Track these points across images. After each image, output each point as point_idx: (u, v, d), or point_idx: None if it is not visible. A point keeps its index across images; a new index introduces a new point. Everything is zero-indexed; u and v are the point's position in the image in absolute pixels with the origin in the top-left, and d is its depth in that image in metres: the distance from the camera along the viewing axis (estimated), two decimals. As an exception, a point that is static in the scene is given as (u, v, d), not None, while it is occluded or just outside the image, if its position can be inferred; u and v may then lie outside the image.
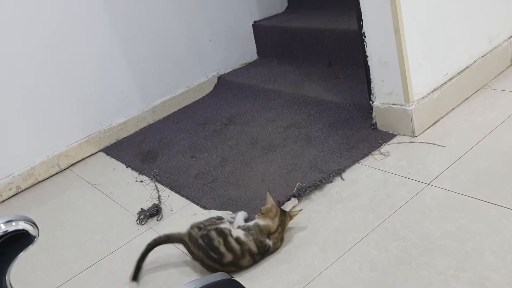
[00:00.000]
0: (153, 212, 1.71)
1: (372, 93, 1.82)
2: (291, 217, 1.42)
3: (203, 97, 2.71)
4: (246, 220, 1.48)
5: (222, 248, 1.31)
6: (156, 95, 2.56)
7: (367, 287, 1.17)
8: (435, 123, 1.79)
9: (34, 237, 0.59)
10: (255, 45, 2.90)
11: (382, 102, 1.80)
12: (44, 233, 1.78)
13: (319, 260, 1.30)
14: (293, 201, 1.53)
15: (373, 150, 1.73)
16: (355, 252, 1.29)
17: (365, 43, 1.74)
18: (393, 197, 1.46)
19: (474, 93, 1.91)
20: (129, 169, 2.13)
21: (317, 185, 1.60)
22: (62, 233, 1.78)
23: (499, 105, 1.79)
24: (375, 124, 1.86)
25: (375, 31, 1.69)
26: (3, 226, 0.57)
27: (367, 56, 1.76)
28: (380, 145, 1.74)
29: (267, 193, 1.43)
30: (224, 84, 2.73)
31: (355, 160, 1.70)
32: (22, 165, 2.19)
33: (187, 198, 1.77)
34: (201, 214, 1.65)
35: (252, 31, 2.87)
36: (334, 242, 1.35)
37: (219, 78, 2.78)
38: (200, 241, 1.33)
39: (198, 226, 1.37)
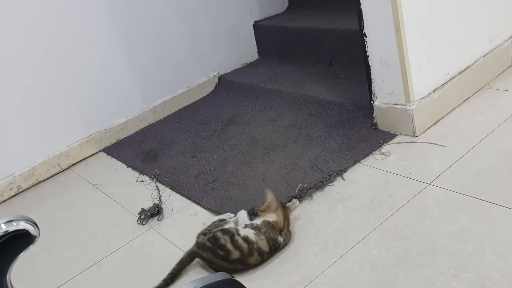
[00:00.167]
0: (154, 212, 1.71)
1: (373, 93, 1.82)
2: (291, 210, 1.44)
3: (203, 97, 2.71)
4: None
5: (229, 246, 1.31)
6: (156, 95, 2.56)
7: (367, 287, 1.17)
8: (436, 123, 1.79)
9: (35, 237, 0.59)
10: (255, 45, 2.90)
11: (383, 102, 1.80)
12: (45, 233, 1.78)
13: (320, 260, 1.30)
14: (294, 202, 1.53)
15: (374, 150, 1.73)
16: (355, 252, 1.29)
17: (365, 43, 1.74)
18: (394, 197, 1.46)
19: (475, 93, 1.91)
20: (130, 169, 2.13)
21: (318, 186, 1.60)
22: (62, 233, 1.78)
23: (500, 104, 1.78)
24: (376, 124, 1.85)
25: (376, 31, 1.69)
26: (4, 226, 0.57)
27: (368, 56, 1.76)
28: (381, 145, 1.74)
29: (266, 188, 1.44)
30: (225, 84, 2.73)
31: (356, 160, 1.70)
32: (23, 165, 2.19)
33: (188, 198, 1.77)
34: (201, 214, 1.65)
35: (252, 31, 2.87)
36: (334, 242, 1.35)
37: (220, 78, 2.78)
38: (208, 243, 1.34)
39: (203, 233, 1.38)
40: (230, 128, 2.23)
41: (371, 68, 1.78)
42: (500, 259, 1.13)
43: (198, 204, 1.72)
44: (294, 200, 1.53)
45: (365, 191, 1.53)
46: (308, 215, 1.49)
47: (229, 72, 2.81)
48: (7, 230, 0.57)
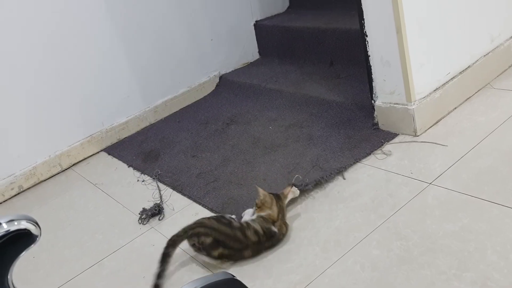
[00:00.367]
0: (155, 212, 1.71)
1: (374, 92, 1.82)
2: (285, 196, 1.45)
3: (204, 96, 2.71)
4: None
5: (231, 219, 1.40)
6: (157, 94, 2.56)
7: (368, 287, 1.17)
8: (437, 122, 1.79)
9: (36, 236, 0.59)
10: (256, 44, 2.90)
11: (384, 102, 1.80)
12: (46, 232, 1.78)
13: (320, 260, 1.30)
14: (287, 188, 1.50)
15: (375, 150, 1.73)
16: (356, 252, 1.29)
17: (366, 42, 1.74)
18: (395, 197, 1.46)
19: (476, 92, 1.91)
20: (131, 168, 2.13)
21: (318, 182, 1.60)
22: (63, 233, 1.78)
23: (501, 104, 1.78)
24: (377, 124, 1.85)
25: (377, 31, 1.69)
26: (5, 226, 0.57)
27: (369, 56, 1.76)
28: (382, 145, 1.74)
29: (256, 186, 1.46)
30: (226, 83, 2.73)
31: (357, 160, 1.70)
32: (24, 165, 2.20)
33: (189, 197, 1.77)
34: (202, 214, 1.65)
35: (253, 30, 2.87)
36: (335, 242, 1.35)
37: (221, 77, 2.78)
38: (210, 218, 1.41)
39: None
40: (231, 127, 2.23)
41: (372, 67, 1.78)
42: (501, 259, 1.13)
43: (199, 203, 1.72)
44: (294, 188, 1.52)
45: (366, 190, 1.53)
46: (308, 215, 1.49)
47: (230, 72, 2.81)
48: (9, 230, 0.57)
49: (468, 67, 1.87)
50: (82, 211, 1.90)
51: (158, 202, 1.77)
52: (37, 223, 0.60)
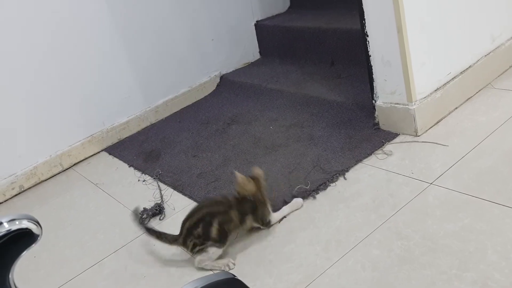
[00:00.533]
0: (156, 212, 1.71)
1: (374, 92, 1.82)
2: (259, 176, 1.42)
3: (205, 96, 2.71)
4: None
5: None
6: (158, 94, 2.56)
7: (369, 287, 1.17)
8: (438, 122, 1.79)
9: (38, 236, 0.59)
10: (257, 44, 2.90)
11: (385, 102, 1.80)
12: (47, 232, 1.78)
13: (321, 259, 1.30)
14: (298, 201, 1.53)
15: (376, 150, 1.73)
16: (357, 252, 1.29)
17: (367, 42, 1.74)
18: (396, 197, 1.46)
19: (477, 92, 1.91)
20: (132, 168, 2.13)
21: (321, 188, 1.59)
22: (64, 232, 1.78)
23: (502, 104, 1.78)
24: (377, 124, 1.85)
25: (378, 31, 1.68)
26: (6, 225, 0.57)
27: (370, 56, 1.76)
28: (383, 145, 1.74)
29: (234, 171, 1.44)
30: (227, 83, 2.73)
31: (358, 160, 1.69)
32: (25, 165, 2.20)
33: (189, 197, 1.77)
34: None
35: (254, 30, 2.87)
36: (336, 242, 1.35)
37: (222, 77, 2.78)
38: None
39: None
40: (231, 127, 2.23)
41: (373, 67, 1.78)
42: (502, 259, 1.13)
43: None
44: (300, 199, 1.53)
45: (367, 190, 1.53)
46: (309, 215, 1.49)
47: (230, 72, 2.81)
48: (10, 229, 0.57)
49: (469, 67, 1.86)
50: (83, 211, 1.90)
51: (159, 202, 1.78)
52: (38, 223, 0.60)
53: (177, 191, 1.84)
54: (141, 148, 2.29)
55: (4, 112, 2.11)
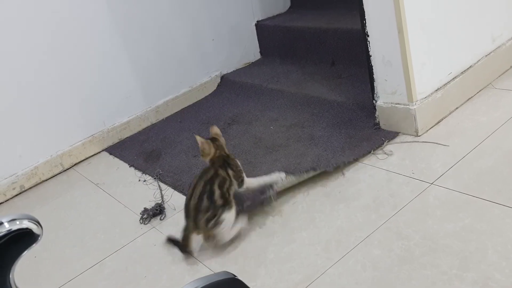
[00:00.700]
0: (156, 212, 1.71)
1: (375, 92, 1.82)
2: (218, 135, 1.52)
3: (206, 96, 2.71)
4: None
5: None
6: (159, 94, 2.56)
7: (370, 287, 1.17)
8: (438, 122, 1.79)
9: (38, 235, 0.59)
10: (258, 44, 2.90)
11: (386, 102, 1.80)
12: (47, 232, 1.78)
13: (322, 259, 1.30)
14: (280, 174, 1.58)
15: (376, 150, 1.73)
16: (358, 252, 1.29)
17: (368, 42, 1.74)
18: (396, 197, 1.46)
19: (477, 92, 1.91)
20: (132, 168, 2.14)
21: (310, 170, 1.62)
22: (65, 232, 1.78)
23: (502, 104, 1.78)
24: (378, 124, 1.85)
25: (378, 31, 1.68)
26: (7, 225, 0.57)
27: (370, 56, 1.76)
28: (383, 145, 1.74)
29: (194, 135, 1.54)
30: (227, 83, 2.73)
31: (358, 160, 1.69)
32: (26, 165, 2.20)
33: (190, 197, 1.77)
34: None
35: (255, 30, 2.87)
36: (336, 242, 1.35)
37: (222, 77, 2.78)
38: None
39: None
40: (232, 127, 2.23)
41: (373, 67, 1.78)
42: (503, 259, 1.13)
43: (200, 203, 1.71)
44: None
45: (367, 190, 1.53)
46: (310, 215, 1.49)
47: (231, 72, 2.81)
48: (11, 229, 0.57)
49: (470, 67, 1.86)
50: (83, 210, 1.90)
51: (160, 202, 1.78)
52: (39, 223, 0.60)
53: (178, 191, 1.84)
54: (141, 148, 2.29)
55: (5, 112, 2.11)
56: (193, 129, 2.33)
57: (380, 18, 1.65)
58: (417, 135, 1.74)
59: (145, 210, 1.73)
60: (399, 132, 1.79)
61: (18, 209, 2.06)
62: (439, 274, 1.14)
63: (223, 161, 1.48)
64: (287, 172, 1.60)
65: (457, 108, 1.84)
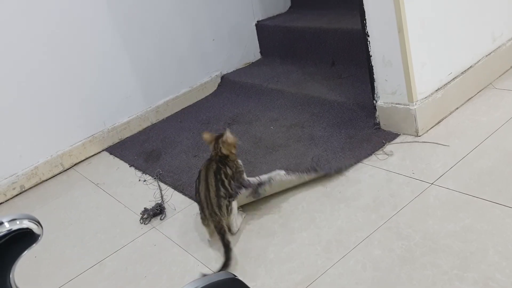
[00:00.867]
0: (157, 212, 1.71)
1: (375, 92, 1.82)
2: (226, 139, 1.57)
3: (206, 96, 2.71)
4: None
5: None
6: (159, 94, 2.56)
7: (370, 287, 1.17)
8: (438, 122, 1.79)
9: (38, 235, 0.59)
10: (258, 44, 2.90)
11: (386, 102, 1.80)
12: (47, 232, 1.78)
13: (322, 259, 1.30)
14: (279, 172, 1.61)
15: (377, 150, 1.73)
16: (358, 252, 1.29)
17: (368, 42, 1.74)
18: (397, 197, 1.46)
19: (478, 92, 1.91)
20: (133, 168, 2.14)
21: (309, 169, 1.63)
22: (65, 232, 1.78)
23: (503, 104, 1.78)
24: (378, 124, 1.85)
25: (379, 31, 1.68)
26: (7, 225, 0.57)
27: (371, 56, 1.76)
28: (384, 145, 1.74)
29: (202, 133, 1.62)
30: (227, 83, 2.73)
31: (359, 160, 1.69)
32: (26, 165, 2.20)
33: (190, 197, 1.77)
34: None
35: (255, 30, 2.87)
36: (337, 242, 1.35)
37: (222, 77, 2.78)
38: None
39: None
40: (232, 127, 2.23)
41: (373, 67, 1.78)
42: (503, 259, 1.13)
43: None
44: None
45: (367, 190, 1.53)
46: (310, 215, 1.49)
47: (231, 72, 2.81)
48: (11, 229, 0.57)
49: (470, 67, 1.86)
50: (83, 210, 1.90)
51: (160, 202, 1.78)
52: (39, 222, 0.60)
53: (178, 191, 1.84)
54: (142, 148, 2.29)
55: (5, 112, 2.11)
56: (193, 129, 2.33)
57: (380, 18, 1.65)
58: (417, 135, 1.74)
59: (145, 210, 1.73)
60: (399, 132, 1.79)
61: (18, 209, 2.06)
62: (439, 274, 1.14)
63: (221, 159, 1.55)
64: (287, 170, 1.61)
65: (457, 108, 1.84)
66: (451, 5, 1.75)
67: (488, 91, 1.90)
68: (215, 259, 1.42)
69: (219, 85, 2.77)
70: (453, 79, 1.81)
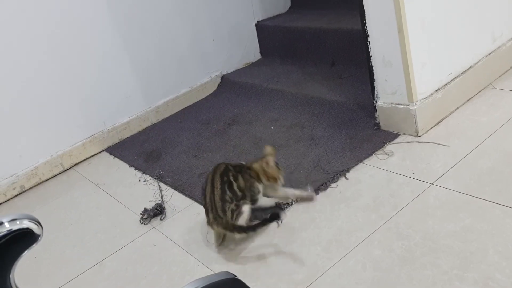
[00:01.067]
0: (157, 212, 1.71)
1: (375, 92, 1.82)
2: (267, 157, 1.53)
3: (206, 97, 2.71)
4: None
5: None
6: (159, 95, 2.56)
7: (370, 287, 1.17)
8: (438, 122, 1.79)
9: (38, 235, 0.59)
10: (258, 45, 2.90)
11: (386, 102, 1.80)
12: (47, 232, 1.78)
13: (322, 259, 1.30)
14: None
15: (377, 150, 1.73)
16: (358, 252, 1.29)
17: (368, 42, 1.74)
18: (397, 197, 1.46)
19: (478, 92, 1.91)
20: (133, 168, 2.14)
21: (322, 189, 1.59)
22: (65, 233, 1.78)
23: (503, 104, 1.78)
24: (378, 124, 1.85)
25: (379, 31, 1.68)
26: (7, 225, 0.57)
27: (371, 56, 1.76)
28: (384, 145, 1.74)
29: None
30: (227, 84, 2.73)
31: (359, 160, 1.69)
32: (26, 165, 2.20)
33: (190, 197, 1.77)
34: (204, 214, 1.65)
35: (255, 31, 2.87)
36: (337, 242, 1.35)
37: (222, 78, 2.78)
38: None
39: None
40: (232, 128, 2.23)
41: (373, 68, 1.78)
42: (503, 259, 1.13)
43: (201, 204, 1.71)
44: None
45: (367, 191, 1.53)
46: (310, 215, 1.49)
47: (231, 72, 2.81)
48: (11, 229, 0.57)
49: (470, 67, 1.86)
50: (83, 211, 1.90)
51: (160, 202, 1.78)
52: (39, 223, 0.60)
53: (178, 191, 1.84)
54: (142, 148, 2.29)
55: (5, 112, 2.11)
56: (193, 129, 2.33)
57: (380, 18, 1.65)
58: (417, 135, 1.74)
59: (145, 210, 1.73)
60: (400, 133, 1.79)
61: (18, 209, 2.06)
62: (439, 274, 1.14)
63: (240, 168, 1.50)
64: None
65: (457, 108, 1.84)
66: (451, 5, 1.75)
67: (488, 91, 1.90)
68: (215, 259, 1.42)
69: (219, 85, 2.77)
70: (453, 79, 1.81)
